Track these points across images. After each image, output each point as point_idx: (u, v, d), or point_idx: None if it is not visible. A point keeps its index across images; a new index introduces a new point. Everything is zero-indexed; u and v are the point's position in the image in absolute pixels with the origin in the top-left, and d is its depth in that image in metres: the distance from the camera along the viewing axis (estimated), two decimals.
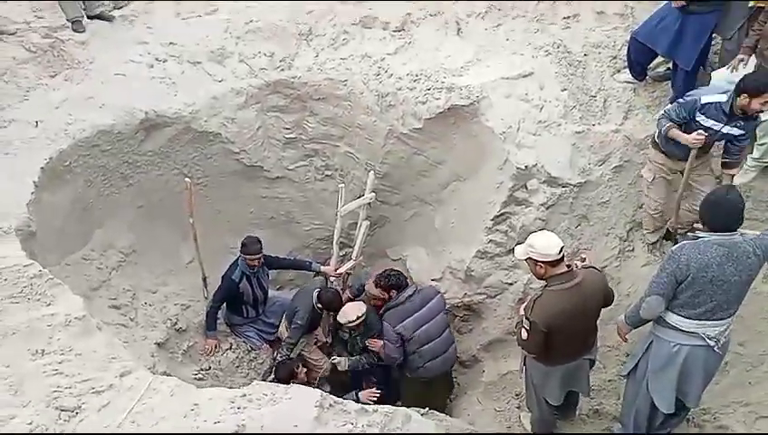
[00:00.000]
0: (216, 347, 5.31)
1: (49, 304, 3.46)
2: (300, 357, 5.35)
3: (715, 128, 4.20)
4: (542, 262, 3.46)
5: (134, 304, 4.92)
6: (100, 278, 4.80)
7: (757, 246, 3.31)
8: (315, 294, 5.13)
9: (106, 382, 3.08)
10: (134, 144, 5.08)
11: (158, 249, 5.39)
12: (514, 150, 5.15)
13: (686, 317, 3.44)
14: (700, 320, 3.42)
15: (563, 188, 5.13)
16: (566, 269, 3.53)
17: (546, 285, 3.54)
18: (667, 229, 4.99)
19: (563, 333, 3.56)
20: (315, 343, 5.48)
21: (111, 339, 3.50)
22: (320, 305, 5.10)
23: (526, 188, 5.17)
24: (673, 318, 3.49)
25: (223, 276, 5.26)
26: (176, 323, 5.14)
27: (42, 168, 4.44)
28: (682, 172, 4.54)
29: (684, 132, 4.27)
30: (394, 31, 5.91)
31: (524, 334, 3.60)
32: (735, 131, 4.21)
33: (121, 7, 6.10)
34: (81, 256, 4.81)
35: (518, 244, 3.78)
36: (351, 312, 4.91)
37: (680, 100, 4.45)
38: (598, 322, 3.84)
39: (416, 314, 4.75)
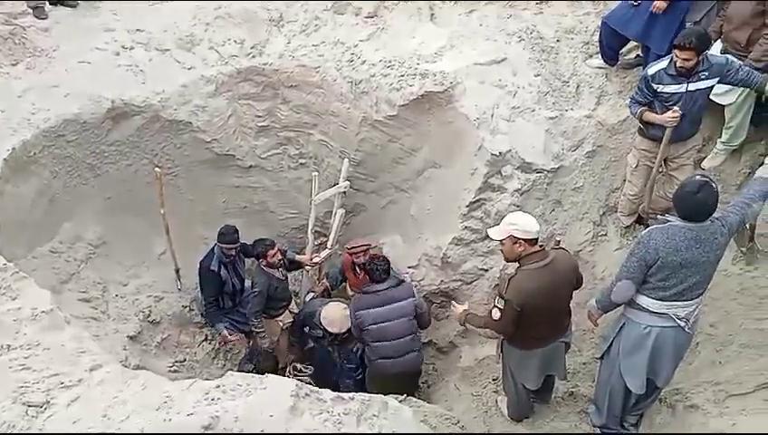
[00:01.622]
0: (230, 338, 5.25)
1: (14, 298, 3.37)
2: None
3: (680, 91, 4.26)
4: (523, 239, 3.53)
5: (105, 297, 4.83)
6: (69, 271, 4.69)
7: (723, 225, 3.34)
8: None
9: (75, 377, 3.01)
10: (101, 134, 4.96)
11: (129, 241, 5.28)
12: (489, 137, 5.15)
13: (657, 299, 3.47)
14: (671, 301, 3.46)
15: (537, 174, 5.15)
16: (539, 249, 3.60)
17: (520, 266, 3.59)
18: (638, 214, 5.05)
19: (537, 312, 3.61)
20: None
21: (81, 332, 3.41)
22: (262, 260, 5.05)
23: (501, 174, 5.17)
24: (643, 300, 3.52)
25: (200, 263, 5.17)
26: (148, 315, 5.06)
27: (4, 159, 4.32)
28: (665, 160, 4.59)
29: (658, 105, 4.34)
30: (366, 17, 5.85)
31: (497, 314, 3.62)
32: (706, 83, 4.24)
33: None
34: (48, 248, 4.70)
35: (491, 230, 3.79)
36: (342, 324, 4.84)
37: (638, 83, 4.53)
38: (572, 305, 3.87)
39: (376, 309, 4.58)
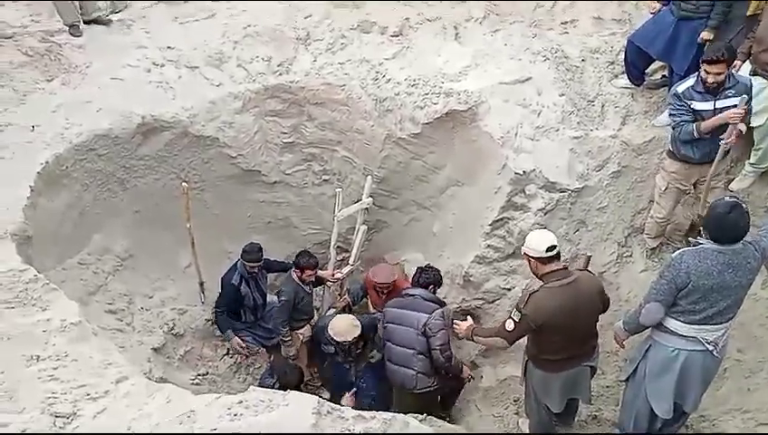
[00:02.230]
0: (242, 343, 5.30)
1: (44, 310, 3.43)
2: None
3: (708, 108, 4.23)
4: (533, 258, 3.59)
5: (130, 309, 4.89)
6: (96, 283, 4.77)
7: (756, 249, 3.30)
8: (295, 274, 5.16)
9: (102, 388, 3.04)
10: (131, 148, 5.06)
11: (155, 254, 5.36)
12: (513, 155, 5.15)
13: (686, 323, 3.43)
14: (700, 325, 3.41)
15: (561, 194, 5.13)
16: (561, 267, 3.60)
17: (543, 283, 3.58)
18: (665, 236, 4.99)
19: (557, 332, 3.60)
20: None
21: (107, 344, 3.46)
22: (297, 272, 5.11)
23: (524, 193, 5.16)
24: (672, 323, 3.47)
25: (222, 278, 5.25)
26: (172, 327, 5.12)
27: (38, 172, 4.42)
28: (696, 184, 4.53)
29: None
30: (392, 36, 5.91)
31: (510, 325, 3.63)
32: (733, 101, 4.19)
33: (119, 11, 6.09)
34: (77, 260, 4.78)
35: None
36: (347, 332, 4.80)
37: (669, 104, 4.49)
38: (598, 327, 3.82)
39: (398, 309, 4.57)
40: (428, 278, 4.67)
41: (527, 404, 4.23)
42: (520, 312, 3.58)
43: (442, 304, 4.66)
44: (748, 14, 4.91)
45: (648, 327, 3.61)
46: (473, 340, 4.07)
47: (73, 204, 4.78)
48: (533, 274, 3.67)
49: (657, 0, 5.26)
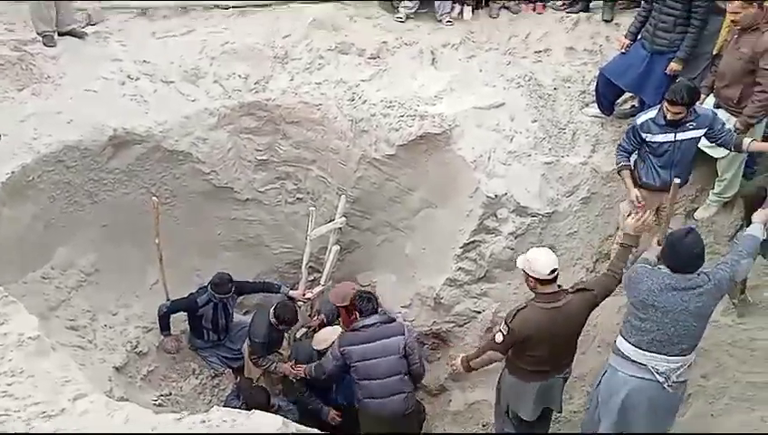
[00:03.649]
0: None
1: (2, 323, 3.32)
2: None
3: (668, 139, 4.33)
4: (533, 277, 3.68)
5: (93, 326, 4.77)
6: (59, 298, 4.65)
7: (709, 278, 3.33)
8: (272, 309, 5.02)
9: (58, 406, 2.94)
10: (101, 161, 4.99)
11: (122, 270, 5.25)
12: (485, 179, 5.21)
13: (636, 346, 3.45)
14: (650, 351, 3.42)
15: (532, 218, 5.20)
16: (555, 290, 3.72)
17: (533, 299, 3.74)
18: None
19: (540, 349, 3.75)
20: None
21: (66, 361, 3.36)
22: (275, 320, 4.95)
23: (496, 216, 5.22)
24: (624, 346, 3.52)
25: (191, 293, 5.19)
26: (136, 346, 4.99)
27: (3, 182, 4.33)
28: (658, 209, 4.63)
29: (648, 153, 4.45)
30: (369, 58, 5.97)
31: (499, 337, 3.78)
32: (693, 133, 4.32)
33: (95, 24, 6.04)
34: (40, 274, 4.67)
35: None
36: (329, 337, 4.78)
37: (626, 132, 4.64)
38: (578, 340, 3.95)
39: (365, 344, 4.44)
40: (372, 305, 4.58)
41: (495, 413, 4.30)
42: (508, 326, 3.72)
43: (394, 317, 4.76)
44: (714, 52, 5.09)
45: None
46: (471, 368, 4.07)
47: (38, 216, 4.68)
48: (530, 288, 3.80)
49: (625, 37, 5.41)
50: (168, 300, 5.17)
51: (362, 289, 4.99)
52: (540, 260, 3.69)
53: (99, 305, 4.94)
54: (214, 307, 5.09)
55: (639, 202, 4.42)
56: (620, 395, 3.55)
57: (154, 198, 4.91)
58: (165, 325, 5.16)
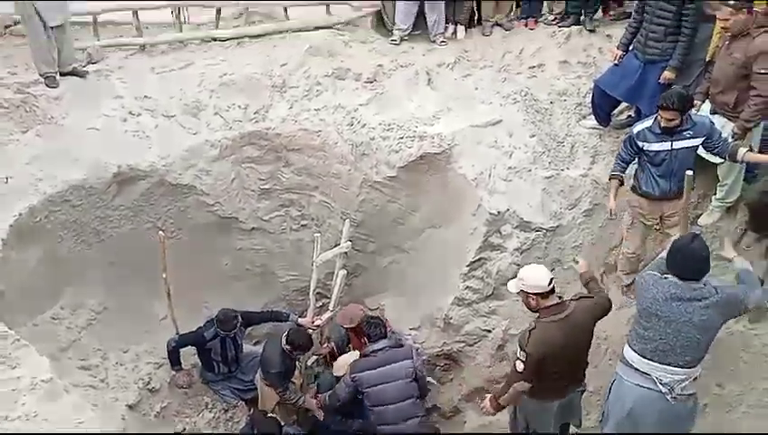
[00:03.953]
0: (188, 377, 5.22)
1: (14, 367, 3.35)
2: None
3: (665, 148, 4.35)
4: (534, 294, 3.66)
5: (105, 365, 4.79)
6: (69, 338, 4.68)
7: (717, 291, 3.33)
8: (283, 336, 5.01)
9: None
10: (106, 199, 5.04)
11: (131, 306, 5.28)
12: (487, 196, 5.24)
13: (641, 354, 3.47)
14: (653, 360, 3.44)
15: (537, 233, 5.21)
16: (557, 301, 3.70)
17: (539, 317, 3.69)
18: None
19: (558, 365, 3.70)
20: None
21: (80, 402, 3.38)
22: (288, 347, 4.94)
23: (500, 233, 5.23)
24: (629, 354, 3.54)
25: (199, 327, 5.18)
26: (148, 382, 5.00)
27: (10, 225, 4.37)
28: (661, 218, 4.64)
29: (646, 162, 4.47)
30: (366, 82, 6.02)
31: (521, 366, 3.68)
32: (690, 142, 4.32)
33: (96, 62, 6.13)
34: (50, 315, 4.70)
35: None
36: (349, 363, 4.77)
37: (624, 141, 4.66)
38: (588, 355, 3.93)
39: (376, 369, 4.48)
40: (381, 330, 4.61)
41: (511, 427, 4.27)
42: (525, 351, 3.65)
43: (402, 342, 4.74)
44: (707, 58, 5.13)
45: None
46: (500, 406, 4.00)
47: (46, 257, 4.72)
48: (530, 309, 3.76)
49: (617, 48, 5.46)
50: (177, 334, 5.18)
51: (370, 314, 4.99)
52: (535, 275, 3.69)
53: (109, 343, 4.96)
54: (222, 341, 5.09)
55: (612, 216, 4.52)
56: (627, 405, 3.55)
57: (160, 232, 4.95)
58: (175, 360, 5.16)
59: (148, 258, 5.13)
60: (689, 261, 3.33)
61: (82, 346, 4.72)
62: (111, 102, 5.61)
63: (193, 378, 5.31)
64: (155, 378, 5.08)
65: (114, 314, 5.09)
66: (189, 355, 5.33)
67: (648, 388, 3.47)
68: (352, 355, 4.96)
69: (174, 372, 5.20)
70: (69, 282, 4.90)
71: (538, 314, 3.71)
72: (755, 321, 4.46)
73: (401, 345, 4.64)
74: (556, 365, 3.71)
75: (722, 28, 4.69)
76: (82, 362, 4.64)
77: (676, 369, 3.42)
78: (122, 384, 4.80)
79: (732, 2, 4.41)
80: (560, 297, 3.77)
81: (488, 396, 4.06)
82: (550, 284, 3.66)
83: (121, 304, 5.17)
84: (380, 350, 4.52)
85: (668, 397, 3.45)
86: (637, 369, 3.50)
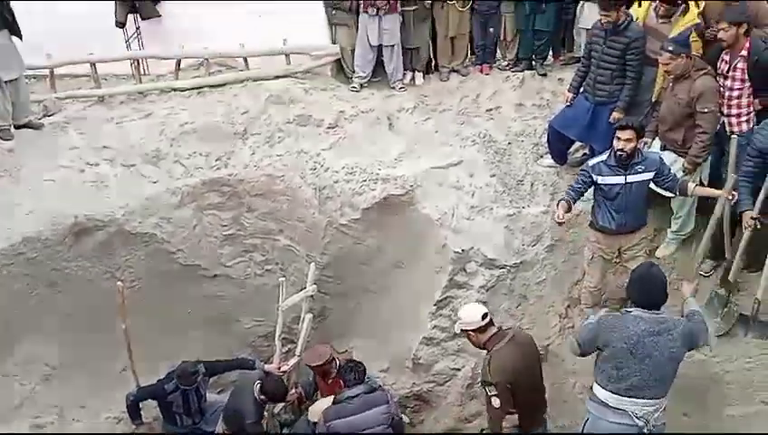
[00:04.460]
0: (149, 431, 5.02)
1: None
2: None
3: (619, 181, 4.48)
4: (473, 330, 3.88)
5: (60, 422, 4.55)
6: (22, 395, 4.45)
7: (682, 326, 3.45)
8: (257, 387, 4.86)
9: None
10: (63, 250, 4.92)
11: (89, 359, 5.08)
12: (451, 235, 5.31)
13: (614, 392, 3.49)
14: (627, 397, 3.47)
15: (501, 270, 5.27)
16: (496, 330, 3.92)
17: (488, 350, 3.85)
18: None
19: (522, 386, 3.82)
20: None
21: None
22: (263, 397, 4.79)
23: (465, 271, 5.28)
24: (601, 393, 3.55)
25: (159, 380, 4.98)
26: None
27: None
28: (619, 251, 4.75)
29: (602, 197, 4.60)
30: (328, 128, 6.11)
31: (496, 402, 3.75)
32: (642, 176, 4.47)
33: (52, 114, 6.06)
34: (1, 373, 4.46)
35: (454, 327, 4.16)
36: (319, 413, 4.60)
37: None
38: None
39: (351, 417, 4.35)
40: (358, 376, 4.50)
41: None
42: (491, 384, 3.74)
43: (377, 386, 4.65)
44: (654, 99, 5.40)
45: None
46: None
47: None
48: (477, 346, 3.93)
49: (568, 91, 5.71)
50: (137, 387, 4.98)
51: (350, 359, 4.88)
52: (469, 313, 3.94)
53: (66, 399, 4.75)
54: (183, 393, 4.89)
55: (559, 222, 4.57)
56: None
57: (119, 282, 4.82)
58: (135, 414, 4.95)
59: (106, 309, 4.97)
60: (651, 286, 3.43)
61: (36, 404, 4.49)
62: (68, 153, 5.55)
63: (154, 431, 5.07)
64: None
65: (71, 368, 4.90)
66: (152, 407, 5.11)
67: (626, 424, 3.49)
68: (328, 401, 4.83)
69: (134, 427, 4.97)
70: (22, 337, 4.71)
71: (486, 349, 3.87)
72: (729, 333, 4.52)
73: (375, 389, 4.52)
74: (523, 387, 3.81)
75: (664, 71, 4.97)
76: (36, 419, 4.41)
77: (649, 401, 3.47)
78: None
79: (671, 47, 4.70)
80: (499, 327, 3.97)
81: None
82: (485, 318, 3.86)
83: (79, 358, 4.98)
84: (356, 396, 4.40)
85: (645, 430, 3.49)
86: (612, 407, 3.51)
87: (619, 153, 4.44)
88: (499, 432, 3.88)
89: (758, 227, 4.26)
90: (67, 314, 5.03)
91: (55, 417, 4.55)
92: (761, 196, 4.29)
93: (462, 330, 3.95)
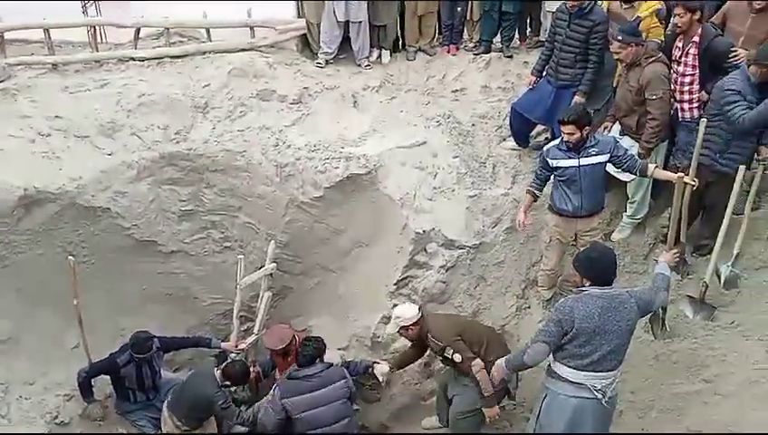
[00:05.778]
0: (102, 408, 4.93)
1: None
2: None
3: (572, 164, 4.57)
4: (412, 325, 4.34)
5: (7, 399, 4.44)
6: None
7: (631, 296, 3.57)
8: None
9: None
10: (11, 223, 4.75)
11: (39, 335, 4.94)
12: (413, 215, 5.32)
13: (575, 368, 3.58)
14: (587, 371, 3.56)
15: (461, 250, 5.32)
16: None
17: (427, 331, 4.34)
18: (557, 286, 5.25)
19: (469, 334, 4.33)
20: None
21: None
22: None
23: (426, 251, 5.30)
24: (562, 370, 3.62)
25: (111, 353, 4.88)
26: (56, 416, 4.66)
27: None
28: (576, 235, 4.83)
29: (558, 180, 4.69)
30: (291, 103, 6.01)
31: (458, 357, 4.20)
32: (596, 159, 4.54)
33: (2, 81, 5.81)
34: None
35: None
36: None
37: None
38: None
39: (309, 394, 4.33)
40: (311, 352, 4.46)
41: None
42: (447, 345, 4.22)
43: (331, 363, 4.60)
44: (614, 85, 5.47)
45: (530, 367, 3.80)
46: (493, 401, 4.30)
47: None
48: (412, 338, 4.47)
49: (531, 74, 5.74)
50: (89, 364, 4.88)
51: (311, 335, 4.84)
52: (408, 311, 4.41)
53: (14, 376, 4.62)
54: (137, 367, 4.81)
55: (521, 227, 4.87)
56: (565, 416, 3.65)
57: (70, 257, 4.67)
58: (87, 391, 4.85)
59: (58, 285, 4.83)
60: (605, 264, 3.55)
61: None
62: (18, 122, 5.33)
63: (107, 409, 4.99)
64: (63, 411, 4.73)
65: (20, 344, 4.76)
66: (105, 385, 5.01)
67: (584, 397, 3.60)
68: None
69: (86, 404, 4.88)
70: None
71: (420, 331, 4.37)
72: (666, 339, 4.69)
73: (330, 365, 4.52)
74: (471, 335, 4.31)
75: (616, 60, 5.04)
76: None
77: (608, 374, 3.58)
78: (27, 419, 4.46)
79: (620, 36, 4.76)
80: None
81: (494, 411, 4.33)
82: (419, 311, 4.41)
83: (28, 334, 4.84)
84: (310, 375, 4.37)
85: (603, 401, 3.60)
86: (572, 381, 3.60)
87: (566, 142, 4.54)
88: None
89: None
90: (17, 289, 4.88)
91: (1, 394, 4.42)
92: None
93: (402, 327, 4.35)
